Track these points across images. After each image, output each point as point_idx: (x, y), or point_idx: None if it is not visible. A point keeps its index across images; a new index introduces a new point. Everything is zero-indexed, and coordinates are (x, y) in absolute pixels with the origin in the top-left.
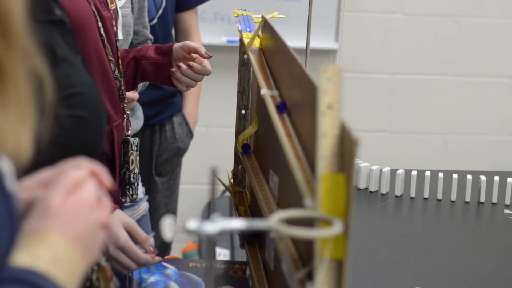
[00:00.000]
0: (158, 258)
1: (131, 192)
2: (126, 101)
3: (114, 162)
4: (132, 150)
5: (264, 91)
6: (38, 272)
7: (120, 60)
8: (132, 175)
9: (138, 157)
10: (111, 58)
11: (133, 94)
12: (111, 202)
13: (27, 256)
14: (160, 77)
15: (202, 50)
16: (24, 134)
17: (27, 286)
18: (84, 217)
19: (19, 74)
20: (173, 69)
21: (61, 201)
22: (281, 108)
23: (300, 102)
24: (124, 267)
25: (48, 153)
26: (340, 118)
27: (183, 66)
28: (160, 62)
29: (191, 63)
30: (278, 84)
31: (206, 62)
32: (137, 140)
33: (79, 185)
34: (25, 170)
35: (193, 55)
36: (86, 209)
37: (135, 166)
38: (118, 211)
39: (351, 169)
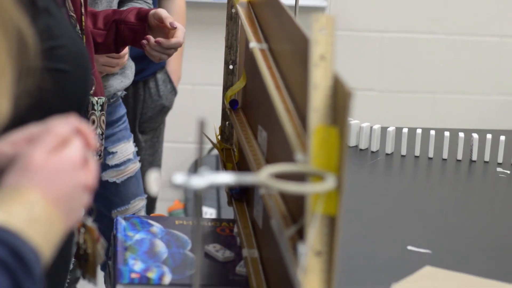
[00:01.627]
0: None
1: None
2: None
3: None
4: (94, 110)
5: (253, 44)
6: (12, 230)
7: (83, 17)
8: None
9: (103, 118)
10: (72, 14)
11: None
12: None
13: (2, 212)
14: (139, 44)
15: (168, 21)
16: (1, 97)
17: None
18: (66, 177)
19: None
20: (144, 41)
21: (43, 159)
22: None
23: (290, 54)
24: None
25: (30, 110)
26: (333, 69)
27: (152, 40)
28: (137, 28)
29: (159, 39)
30: (268, 37)
31: (178, 33)
32: (102, 99)
33: (64, 143)
34: (6, 130)
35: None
36: (69, 169)
37: (97, 127)
38: None
39: (345, 122)
